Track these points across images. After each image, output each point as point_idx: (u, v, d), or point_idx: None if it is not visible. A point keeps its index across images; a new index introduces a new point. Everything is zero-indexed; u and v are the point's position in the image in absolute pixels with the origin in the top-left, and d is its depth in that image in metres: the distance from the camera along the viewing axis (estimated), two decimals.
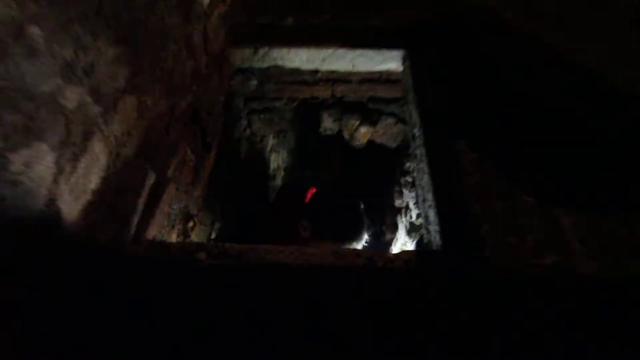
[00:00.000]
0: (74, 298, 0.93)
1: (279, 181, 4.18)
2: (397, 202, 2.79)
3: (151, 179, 1.23)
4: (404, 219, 2.57)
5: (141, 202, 1.16)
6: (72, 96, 0.91)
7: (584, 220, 1.07)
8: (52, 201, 0.86)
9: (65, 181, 0.90)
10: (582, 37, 1.30)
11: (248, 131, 2.72)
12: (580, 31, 1.30)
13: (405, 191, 2.62)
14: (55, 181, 0.87)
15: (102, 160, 1.03)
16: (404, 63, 1.81)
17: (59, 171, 0.88)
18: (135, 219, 1.13)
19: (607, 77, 1.13)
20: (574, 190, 1.12)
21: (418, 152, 1.49)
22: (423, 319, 0.92)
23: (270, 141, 3.66)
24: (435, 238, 1.20)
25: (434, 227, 1.23)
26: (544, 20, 1.39)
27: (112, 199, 1.06)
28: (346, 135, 2.58)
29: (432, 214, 1.26)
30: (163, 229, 1.32)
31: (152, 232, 1.20)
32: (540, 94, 1.21)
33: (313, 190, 1.91)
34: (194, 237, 1.70)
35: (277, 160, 4.02)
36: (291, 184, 2.69)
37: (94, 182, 1.00)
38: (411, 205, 2.40)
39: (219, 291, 0.98)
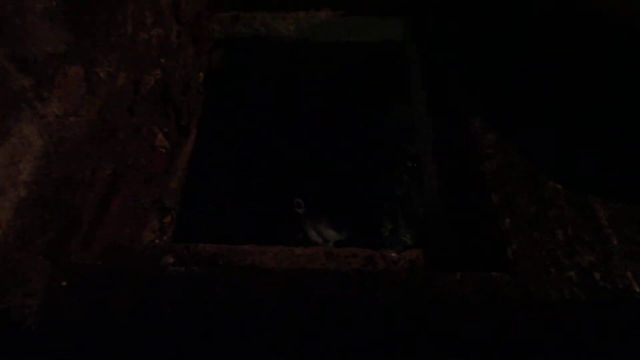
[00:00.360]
0: None
1: None
2: (397, 189, 2.61)
3: (107, 167, 1.03)
4: (404, 208, 2.39)
5: (93, 195, 0.96)
6: None
7: (627, 212, 0.90)
8: None
9: None
10: None
11: None
12: None
13: (407, 177, 2.44)
14: None
15: (38, 146, 0.83)
16: (405, 33, 1.59)
17: None
18: (86, 217, 0.94)
19: None
20: (614, 174, 0.94)
21: (424, 132, 1.30)
22: (434, 337, 0.75)
23: None
24: (445, 234, 1.02)
25: (442, 220, 1.05)
26: None
27: (53, 193, 0.87)
28: None
29: (440, 204, 1.08)
30: (127, 228, 1.12)
31: (109, 231, 1.01)
32: (576, 54, 1.01)
33: None
34: (172, 233, 1.51)
35: None
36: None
37: (26, 173, 0.81)
38: (413, 193, 2.22)
39: (188, 305, 0.80)
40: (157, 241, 1.43)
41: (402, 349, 0.73)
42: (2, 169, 0.74)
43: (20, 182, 0.79)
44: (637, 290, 0.79)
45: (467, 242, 0.98)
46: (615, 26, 0.94)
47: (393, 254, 0.94)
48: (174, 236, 1.56)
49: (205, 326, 0.76)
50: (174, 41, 1.41)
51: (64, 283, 0.81)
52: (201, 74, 1.68)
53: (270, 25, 1.59)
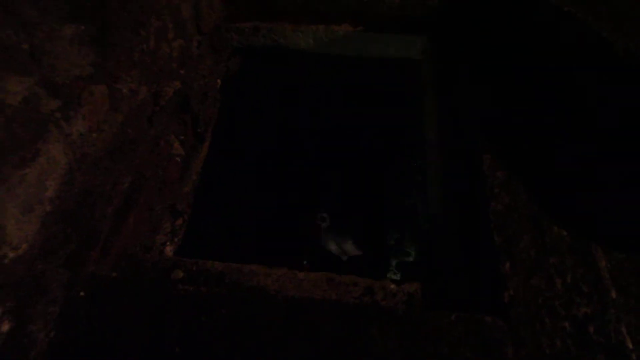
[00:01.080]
0: None
1: None
2: (405, 201, 2.62)
3: (125, 181, 1.08)
4: (410, 222, 2.41)
5: (112, 208, 1.01)
6: (16, 88, 0.74)
7: (628, 263, 0.90)
8: None
9: (10, 192, 0.75)
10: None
11: None
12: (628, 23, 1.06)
13: (415, 190, 2.44)
14: None
15: (62, 164, 0.88)
16: (424, 52, 1.58)
17: (0, 180, 0.73)
18: (104, 229, 1.00)
19: None
20: (617, 223, 0.94)
21: (433, 159, 1.31)
22: None
23: None
24: (446, 267, 1.05)
25: (446, 256, 1.07)
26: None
27: (75, 207, 0.92)
28: None
29: (442, 238, 1.10)
30: (142, 235, 1.18)
31: (125, 241, 1.06)
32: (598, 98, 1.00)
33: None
34: (182, 235, 1.57)
35: None
36: None
37: (51, 190, 0.86)
38: (420, 206, 2.23)
39: (195, 320, 0.85)
40: (168, 243, 1.49)
41: None
42: (31, 187, 0.80)
43: (46, 199, 0.85)
44: (630, 346, 0.81)
45: (469, 280, 1.00)
46: None
47: (392, 286, 0.97)
48: (185, 238, 1.63)
49: (211, 345, 0.81)
50: (195, 51, 1.44)
51: (82, 293, 0.88)
52: (219, 81, 1.71)
53: (289, 37, 1.60)
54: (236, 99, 1.82)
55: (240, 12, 1.57)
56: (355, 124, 1.88)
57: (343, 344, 0.82)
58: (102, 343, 0.83)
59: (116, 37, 1.00)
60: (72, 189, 0.92)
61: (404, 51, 1.61)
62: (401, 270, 1.56)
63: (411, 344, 0.82)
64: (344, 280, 0.97)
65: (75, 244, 0.92)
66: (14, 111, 0.73)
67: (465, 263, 1.03)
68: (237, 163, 1.96)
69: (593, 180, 1.00)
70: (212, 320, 0.85)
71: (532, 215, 0.97)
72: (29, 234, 0.81)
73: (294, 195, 1.93)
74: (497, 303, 0.88)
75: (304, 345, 0.83)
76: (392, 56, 1.65)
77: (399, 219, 2.19)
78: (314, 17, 1.59)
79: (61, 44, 0.83)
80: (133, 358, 0.81)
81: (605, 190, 0.99)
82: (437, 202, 1.16)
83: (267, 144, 1.92)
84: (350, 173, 1.98)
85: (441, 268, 1.06)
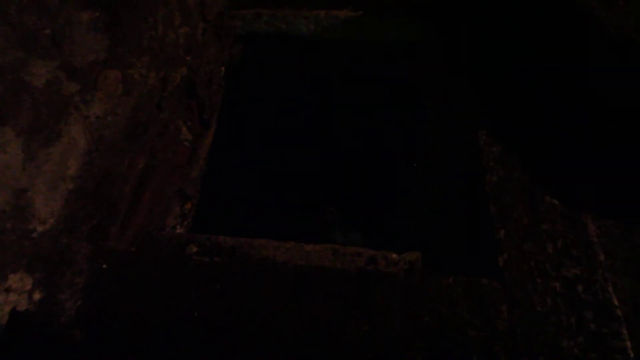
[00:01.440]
0: None
1: None
2: (406, 185, 2.68)
3: (140, 162, 1.13)
4: (412, 204, 2.47)
5: (128, 188, 1.07)
6: (40, 72, 0.79)
7: (615, 229, 0.96)
8: (22, 192, 0.78)
9: (38, 169, 0.81)
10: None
11: None
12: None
13: (417, 173, 2.50)
14: (25, 169, 0.78)
15: (82, 144, 0.94)
16: (424, 35, 1.61)
17: (30, 158, 0.79)
18: (122, 207, 1.06)
19: None
20: (606, 192, 1.00)
21: (433, 137, 1.36)
22: (426, 333, 0.85)
23: None
24: (445, 237, 1.11)
25: (444, 224, 1.13)
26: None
27: (95, 186, 0.98)
28: None
29: (443, 208, 1.16)
30: (155, 216, 1.25)
31: (141, 220, 1.13)
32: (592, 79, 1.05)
33: None
34: (191, 219, 1.63)
35: None
36: None
37: (73, 168, 0.92)
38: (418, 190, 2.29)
39: (210, 288, 0.92)
40: (178, 227, 1.56)
41: (396, 344, 0.84)
42: (55, 166, 0.86)
43: (68, 177, 0.91)
44: (616, 303, 0.87)
45: (466, 247, 1.06)
46: None
47: (394, 255, 1.03)
48: (194, 222, 1.70)
49: (226, 310, 0.88)
50: (200, 39, 1.48)
51: (104, 266, 0.94)
52: (222, 68, 1.76)
53: (291, 22, 1.63)
54: (240, 86, 1.87)
55: (242, 2, 1.60)
56: (359, 108, 1.92)
57: (348, 307, 0.89)
58: (126, 310, 0.90)
59: (127, 24, 1.05)
60: (92, 169, 0.98)
61: (404, 35, 1.65)
62: (403, 241, 1.63)
63: (411, 305, 0.88)
64: (348, 251, 1.04)
65: (96, 220, 0.98)
66: (39, 93, 0.79)
67: (466, 234, 1.09)
68: (242, 151, 2.02)
69: (583, 152, 1.05)
70: (226, 287, 0.91)
71: (526, 187, 1.03)
72: (55, 209, 0.87)
73: (299, 184, 1.99)
74: (492, 267, 0.94)
75: (312, 309, 0.89)
76: (393, 40, 1.69)
77: (404, 197, 2.25)
78: (316, 2, 1.62)
79: (79, 30, 0.87)
80: (154, 323, 0.88)
81: (594, 160, 1.04)
82: (438, 179, 1.21)
83: (270, 133, 1.98)
84: (354, 156, 2.03)
85: (442, 238, 1.12)
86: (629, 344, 0.83)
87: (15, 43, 0.71)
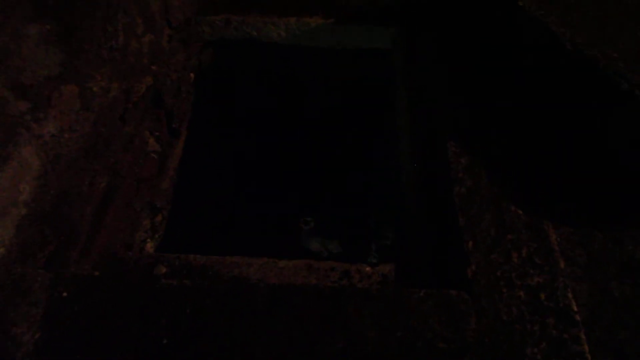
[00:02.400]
0: None
1: None
2: (382, 192, 2.71)
3: (102, 181, 1.08)
4: (388, 208, 2.50)
5: (90, 208, 1.02)
6: None
7: (574, 236, 1.01)
8: None
9: None
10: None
11: None
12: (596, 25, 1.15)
13: (390, 178, 2.53)
14: None
15: (35, 166, 0.88)
16: (394, 43, 1.63)
17: None
18: (84, 229, 1.00)
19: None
20: (566, 201, 1.05)
21: (402, 144, 1.38)
22: (399, 344, 0.86)
23: None
24: (419, 251, 1.13)
25: (416, 236, 1.15)
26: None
27: (52, 208, 0.92)
28: None
29: (414, 221, 1.18)
30: (121, 233, 1.19)
31: (105, 239, 1.07)
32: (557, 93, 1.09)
33: None
34: (162, 232, 1.58)
35: None
36: None
37: (26, 193, 0.86)
38: (394, 192, 2.32)
39: (181, 312, 0.89)
40: (148, 240, 1.50)
41: (369, 358, 0.85)
42: (5, 191, 0.80)
43: (20, 202, 0.85)
44: (575, 309, 0.92)
45: (438, 258, 1.08)
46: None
47: (367, 269, 1.04)
48: (166, 234, 1.64)
49: (198, 335, 0.86)
50: (165, 46, 1.43)
51: (65, 294, 0.89)
52: (192, 75, 1.70)
53: (261, 29, 1.60)
54: (210, 92, 1.82)
55: (212, 5, 1.55)
56: (332, 115, 1.92)
57: (322, 323, 0.89)
58: (89, 341, 0.85)
59: (83, 35, 0.99)
60: (48, 191, 0.92)
61: (374, 42, 1.65)
62: (380, 253, 1.65)
63: (384, 320, 0.89)
64: (322, 266, 1.03)
65: (54, 245, 0.92)
66: None
67: (435, 244, 1.11)
68: (215, 159, 1.97)
69: (546, 163, 1.10)
70: (197, 311, 0.89)
71: (493, 197, 1.06)
72: (6, 238, 0.82)
73: (275, 194, 1.97)
74: (462, 278, 0.97)
75: (287, 328, 0.88)
76: (364, 47, 1.69)
77: (378, 207, 2.28)
78: (287, 9, 1.59)
79: (27, 45, 0.81)
80: (121, 353, 0.84)
81: (555, 170, 1.09)
82: (409, 188, 1.23)
83: (243, 139, 1.94)
84: (329, 166, 2.03)
85: (413, 250, 1.14)
86: (586, 347, 0.88)
87: None
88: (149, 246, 1.33)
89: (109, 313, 0.88)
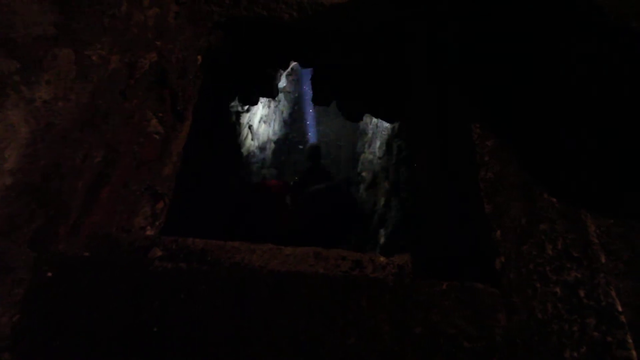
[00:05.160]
0: None
1: (268, 153, 3.95)
2: (392, 177, 2.61)
3: (97, 155, 1.00)
4: (397, 199, 2.39)
5: (82, 183, 0.94)
6: None
7: (616, 228, 0.90)
8: None
9: None
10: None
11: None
12: None
13: (402, 168, 2.43)
14: None
15: (23, 132, 0.80)
16: (412, 24, 1.53)
17: None
18: (75, 206, 0.93)
19: None
20: (607, 190, 0.94)
21: (421, 130, 1.28)
22: (416, 344, 0.76)
23: (260, 111, 3.38)
24: (437, 239, 1.02)
25: (434, 225, 1.05)
26: None
27: (41, 181, 0.85)
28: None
29: (432, 208, 1.07)
30: (118, 215, 1.11)
31: (98, 219, 1.00)
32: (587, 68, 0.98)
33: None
34: (164, 220, 1.50)
35: (267, 132, 3.77)
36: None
37: (11, 160, 0.79)
38: (403, 184, 2.21)
39: (174, 297, 0.80)
40: (148, 228, 1.43)
41: (383, 356, 0.75)
42: None
43: (5, 170, 0.77)
44: (619, 309, 0.80)
45: (460, 247, 0.98)
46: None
47: (382, 259, 0.94)
48: (167, 223, 1.56)
49: (191, 323, 0.77)
50: (172, 22, 1.36)
51: (50, 274, 0.81)
52: (199, 57, 1.63)
53: (272, 9, 1.53)
54: (220, 78, 1.75)
55: None
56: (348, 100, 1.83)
57: (332, 316, 0.79)
58: (73, 326, 0.77)
59: None
60: (37, 161, 0.84)
61: (392, 25, 1.56)
62: (394, 243, 1.54)
63: (401, 314, 0.79)
64: (332, 254, 0.94)
65: (42, 221, 0.85)
66: None
67: (458, 233, 1.01)
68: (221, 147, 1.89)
69: (582, 148, 0.99)
70: (192, 297, 0.80)
71: (523, 183, 0.96)
72: None
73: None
74: (489, 271, 0.87)
75: (292, 320, 0.79)
76: (381, 29, 1.60)
77: (386, 197, 2.17)
78: None
79: None
80: (107, 341, 0.76)
81: (592, 157, 0.98)
82: (428, 175, 1.13)
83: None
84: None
85: (433, 239, 1.04)
86: (634, 353, 0.77)
87: None
88: (149, 234, 1.25)
89: (96, 296, 0.80)
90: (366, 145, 3.87)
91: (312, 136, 4.62)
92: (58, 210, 0.88)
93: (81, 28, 0.93)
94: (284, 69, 2.32)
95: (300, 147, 4.43)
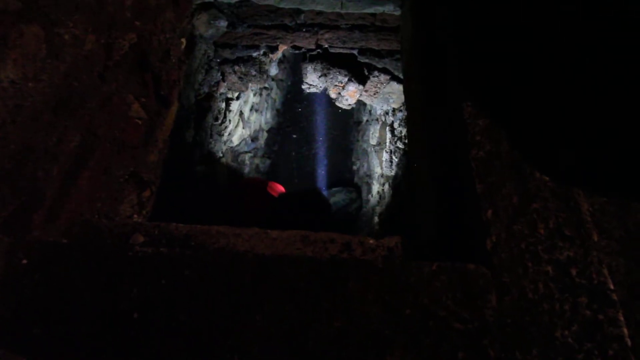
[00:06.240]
0: None
1: (261, 142, 3.90)
2: (386, 170, 2.59)
3: (73, 139, 0.96)
4: (390, 186, 2.38)
5: (57, 168, 0.90)
6: None
7: (609, 207, 0.88)
8: None
9: None
10: None
11: (222, 86, 2.39)
12: None
13: (395, 158, 2.40)
14: None
15: None
16: (402, 5, 1.49)
17: None
18: (50, 190, 0.89)
19: None
20: (600, 168, 0.92)
21: (414, 113, 1.25)
22: (406, 326, 0.74)
23: (251, 98, 3.32)
24: (428, 222, 1.00)
25: (426, 208, 1.03)
26: None
27: (12, 165, 0.81)
28: (332, 94, 2.28)
29: (424, 191, 1.05)
30: (99, 202, 1.08)
31: (77, 205, 0.96)
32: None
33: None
34: (151, 208, 1.47)
35: (259, 121, 3.71)
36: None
37: None
38: (399, 174, 2.19)
39: (154, 283, 0.77)
40: (135, 216, 1.39)
41: (373, 341, 0.73)
42: None
43: None
44: (611, 287, 0.79)
45: (451, 229, 0.96)
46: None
47: (371, 241, 0.92)
48: (154, 211, 1.53)
49: (173, 309, 0.74)
50: (152, 1, 1.30)
51: (25, 261, 0.78)
52: (183, 40, 1.58)
53: None
54: (205, 61, 1.69)
55: None
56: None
57: (319, 299, 0.77)
58: (50, 314, 0.74)
59: None
60: (7, 145, 0.80)
61: (381, 6, 1.52)
62: (384, 226, 1.53)
63: (390, 296, 0.77)
64: (320, 237, 0.91)
65: (14, 206, 0.81)
66: None
67: (448, 214, 0.99)
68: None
69: (575, 126, 0.96)
70: (175, 283, 0.77)
71: (514, 162, 0.93)
72: None
73: None
74: (480, 251, 0.85)
75: (278, 304, 0.77)
76: (370, 12, 1.55)
77: (380, 187, 2.14)
78: None
79: None
80: (85, 328, 0.73)
81: (586, 134, 0.96)
82: (419, 154, 1.10)
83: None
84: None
85: (423, 221, 1.02)
86: (625, 330, 0.76)
87: None
88: (127, 220, 1.22)
89: (74, 283, 0.77)
90: (360, 134, 3.84)
91: (305, 126, 4.56)
92: (32, 195, 0.85)
93: (49, 4, 0.88)
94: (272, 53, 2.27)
95: (294, 136, 4.38)
